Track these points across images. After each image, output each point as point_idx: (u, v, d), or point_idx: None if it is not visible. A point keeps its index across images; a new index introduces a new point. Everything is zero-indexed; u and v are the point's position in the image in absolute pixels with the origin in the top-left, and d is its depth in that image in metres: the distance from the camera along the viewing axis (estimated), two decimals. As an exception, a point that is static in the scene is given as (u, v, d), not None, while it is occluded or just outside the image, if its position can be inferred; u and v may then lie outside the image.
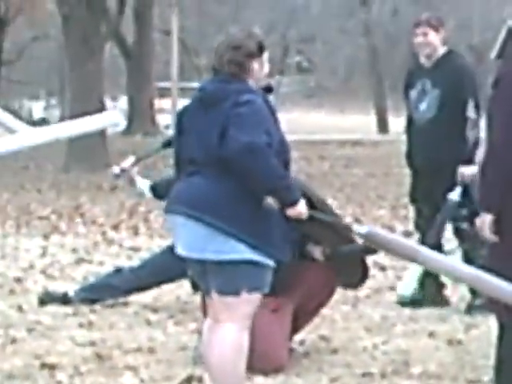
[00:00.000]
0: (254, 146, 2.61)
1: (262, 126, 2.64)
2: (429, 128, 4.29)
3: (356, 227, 2.57)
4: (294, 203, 2.63)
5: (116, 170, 4.11)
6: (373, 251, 3.35)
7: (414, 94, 4.36)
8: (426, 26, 4.39)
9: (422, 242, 3.98)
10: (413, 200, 4.51)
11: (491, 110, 2.64)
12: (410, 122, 4.35)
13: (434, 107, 4.22)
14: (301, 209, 2.65)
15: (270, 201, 2.61)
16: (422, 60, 4.40)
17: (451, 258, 3.62)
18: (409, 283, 4.64)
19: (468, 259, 4.05)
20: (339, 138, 19.82)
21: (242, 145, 2.60)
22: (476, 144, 4.03)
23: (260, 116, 2.66)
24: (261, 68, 2.70)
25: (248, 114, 2.65)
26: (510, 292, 2.50)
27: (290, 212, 2.61)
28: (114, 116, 3.89)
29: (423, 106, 4.35)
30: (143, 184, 4.20)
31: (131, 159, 4.10)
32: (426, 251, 2.52)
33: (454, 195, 4.12)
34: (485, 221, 2.61)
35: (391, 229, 6.46)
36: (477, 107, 4.21)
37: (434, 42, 4.23)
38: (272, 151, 2.60)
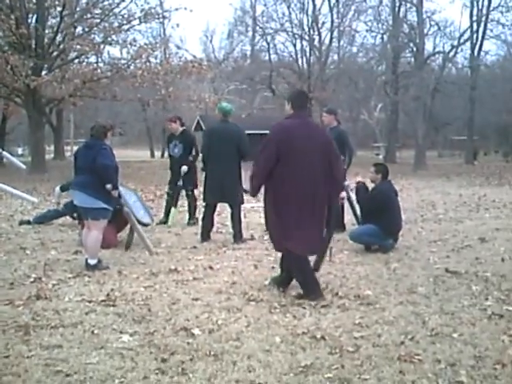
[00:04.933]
0: (108, 164, 5.56)
1: (110, 157, 5.64)
2: None
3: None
4: (116, 189, 5.75)
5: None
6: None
7: None
8: None
9: None
10: None
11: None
12: None
13: None
14: (116, 191, 5.69)
15: (108, 186, 5.56)
16: None
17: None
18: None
19: None
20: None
21: (104, 163, 5.54)
22: None
23: (109, 153, 5.65)
24: (109, 136, 5.97)
25: (105, 152, 5.61)
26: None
27: (113, 192, 5.68)
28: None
29: None
30: (58, 189, 8.37)
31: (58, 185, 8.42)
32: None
33: None
34: None
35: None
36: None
37: None
38: (114, 167, 5.68)
